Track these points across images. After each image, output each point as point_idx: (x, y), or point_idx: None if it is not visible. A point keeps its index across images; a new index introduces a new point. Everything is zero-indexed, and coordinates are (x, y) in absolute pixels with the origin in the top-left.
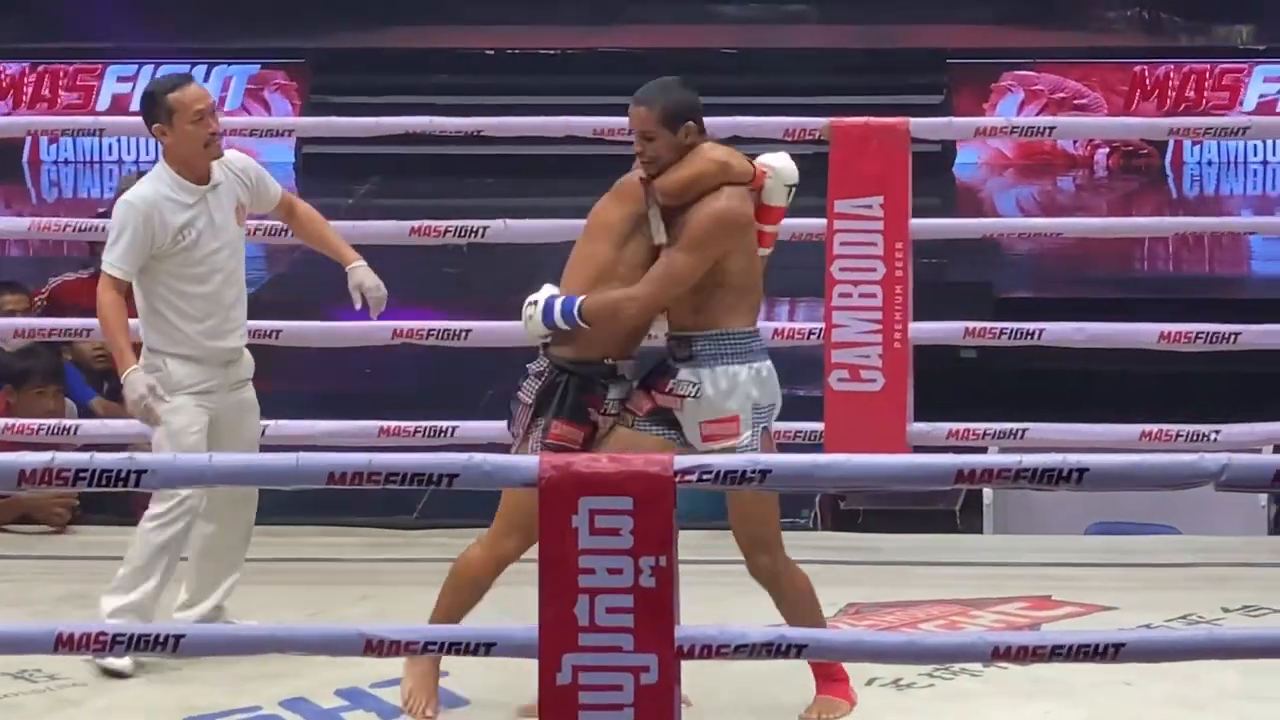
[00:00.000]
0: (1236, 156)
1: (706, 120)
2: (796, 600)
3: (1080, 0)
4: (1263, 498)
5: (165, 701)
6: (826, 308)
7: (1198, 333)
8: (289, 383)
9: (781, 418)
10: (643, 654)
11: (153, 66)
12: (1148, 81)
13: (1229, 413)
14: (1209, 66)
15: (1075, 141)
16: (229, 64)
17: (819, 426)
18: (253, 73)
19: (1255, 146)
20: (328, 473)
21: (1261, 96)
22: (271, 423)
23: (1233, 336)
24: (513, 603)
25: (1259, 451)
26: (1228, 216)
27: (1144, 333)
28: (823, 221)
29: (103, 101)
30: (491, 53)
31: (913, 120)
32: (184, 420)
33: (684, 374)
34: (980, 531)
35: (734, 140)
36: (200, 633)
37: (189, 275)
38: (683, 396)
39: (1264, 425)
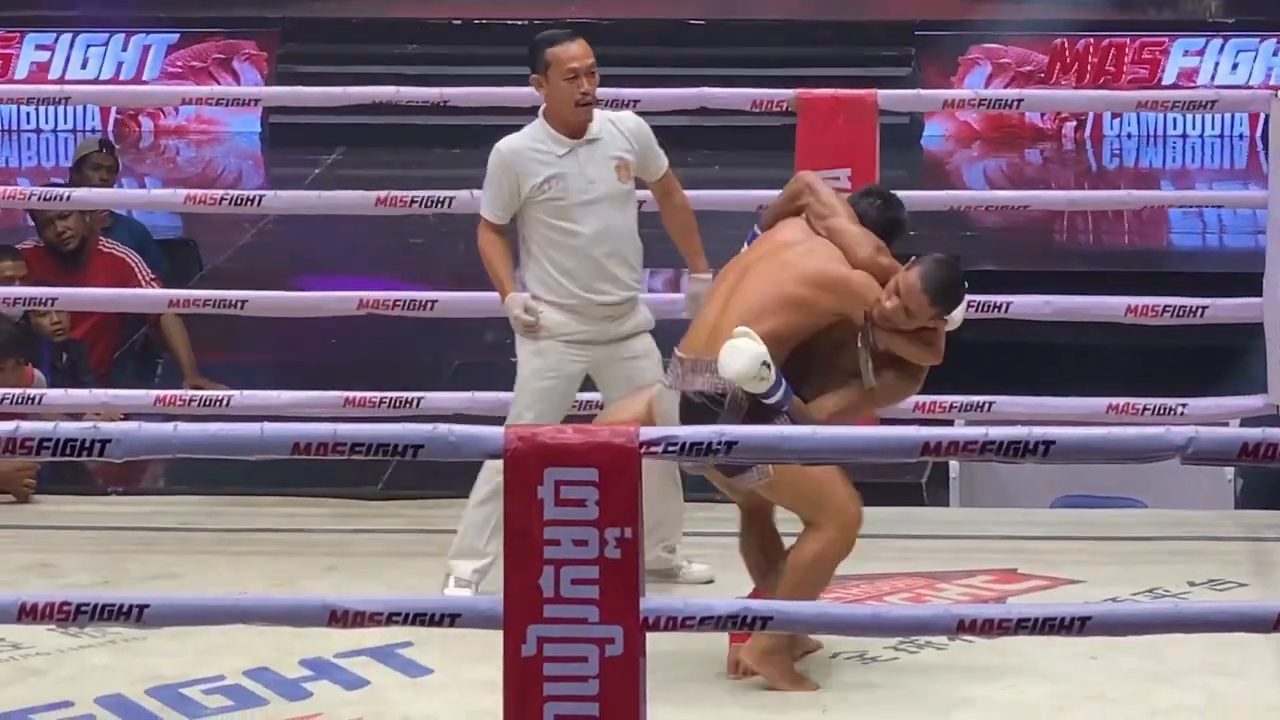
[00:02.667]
0: (1156, 130)
1: (674, 91)
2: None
3: None
4: (1229, 472)
5: (130, 671)
6: None
7: (1165, 306)
8: (254, 353)
9: None
10: (608, 625)
11: (71, 35)
12: (1067, 55)
13: (1196, 386)
14: (1128, 40)
15: (1043, 115)
16: (147, 33)
17: None
18: (171, 42)
19: (1175, 120)
20: (292, 443)
21: (1181, 70)
22: (236, 393)
23: (1200, 310)
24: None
25: (1225, 425)
26: (1190, 190)
27: (1111, 306)
28: None
29: (21, 70)
30: (459, 23)
31: (880, 92)
32: (539, 364)
33: None
34: (946, 504)
35: (702, 111)
36: (164, 602)
37: (558, 226)
38: None
39: (1230, 399)
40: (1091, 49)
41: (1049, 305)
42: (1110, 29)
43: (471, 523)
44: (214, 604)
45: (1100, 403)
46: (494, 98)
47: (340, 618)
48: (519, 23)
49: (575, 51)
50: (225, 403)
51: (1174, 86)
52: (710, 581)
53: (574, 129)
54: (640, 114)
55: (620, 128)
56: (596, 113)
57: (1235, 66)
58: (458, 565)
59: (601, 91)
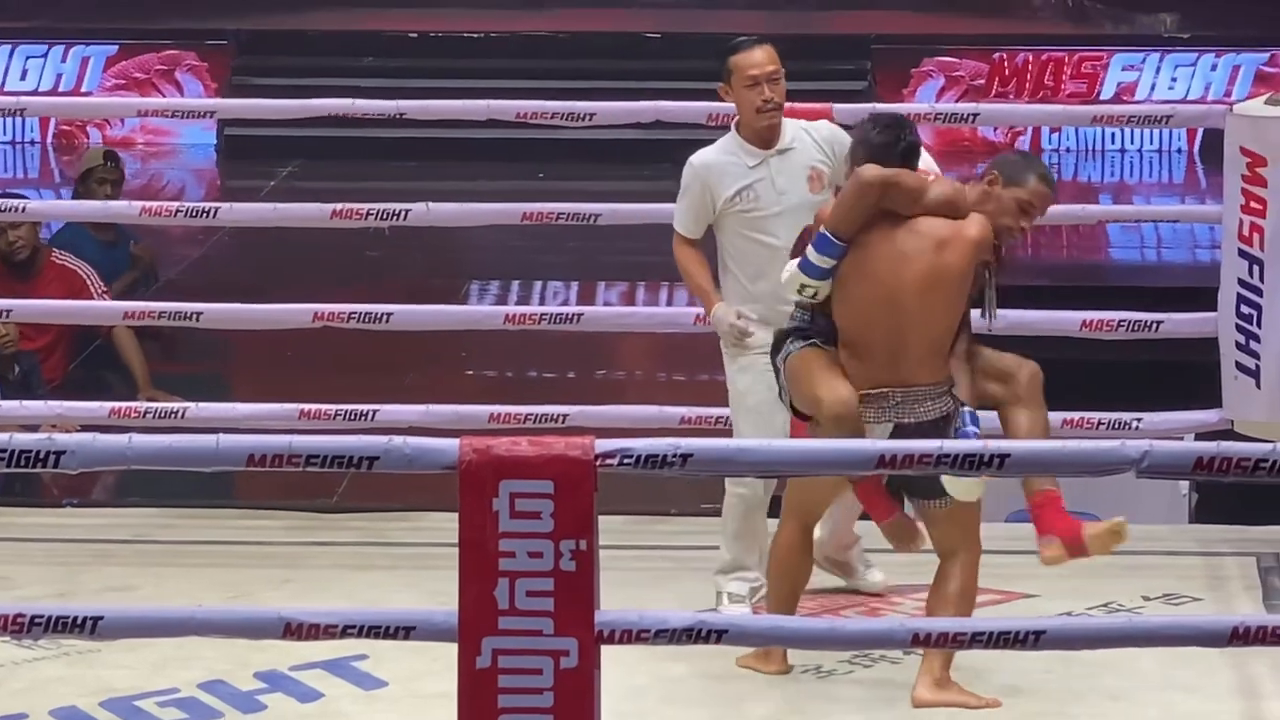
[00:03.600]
0: (1094, 144)
1: (630, 104)
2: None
3: None
4: (1184, 486)
5: (84, 683)
6: None
7: (1120, 321)
8: (210, 365)
9: (701, 403)
10: (563, 638)
11: (10, 46)
12: (1006, 69)
13: (1150, 401)
14: (1066, 54)
15: (995, 128)
16: (86, 44)
17: None
18: (110, 53)
19: (1113, 134)
20: (247, 454)
21: (1119, 84)
22: (191, 405)
23: (1155, 325)
24: (434, 586)
25: (1180, 439)
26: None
27: (1066, 320)
28: None
29: None
30: (415, 36)
31: (836, 106)
32: (746, 382)
33: None
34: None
35: (658, 125)
36: (118, 615)
37: (751, 237)
38: None
39: (1185, 413)
40: (1030, 63)
41: (1002, 319)
42: (1052, 43)
43: (735, 536)
44: (169, 616)
45: (1055, 417)
46: (451, 110)
47: (295, 630)
48: (475, 35)
49: (756, 59)
50: (180, 414)
51: (1113, 101)
52: (880, 594)
53: (763, 139)
54: (595, 126)
55: (815, 137)
56: (790, 122)
57: (1174, 81)
58: (728, 582)
59: (554, 105)
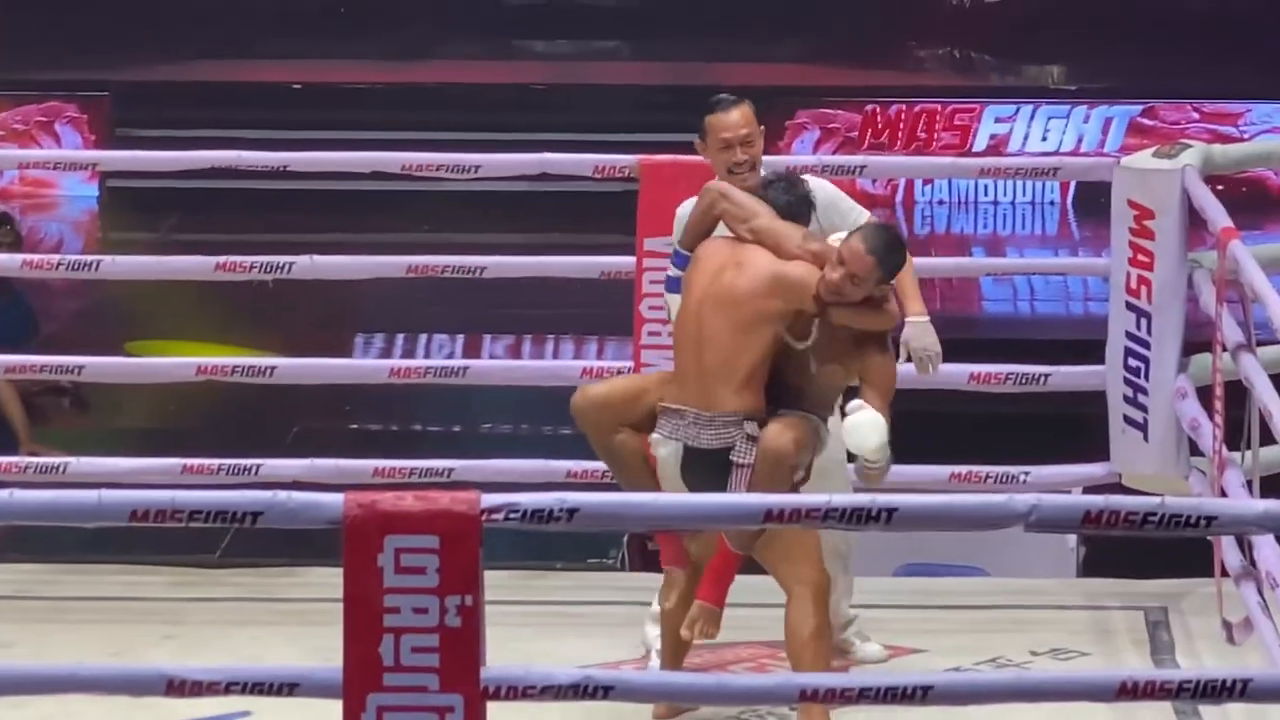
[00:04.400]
0: (967, 196)
1: (516, 156)
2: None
3: (895, 39)
4: (1072, 539)
5: None
6: (635, 346)
7: (1008, 374)
8: (92, 419)
9: (590, 457)
10: (448, 694)
11: None
12: (879, 121)
13: (1038, 454)
14: (939, 106)
15: (874, 181)
16: None
17: None
18: None
19: (986, 186)
20: (130, 510)
21: (992, 136)
22: (73, 459)
23: (1043, 378)
24: (318, 642)
25: (1068, 493)
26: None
27: (954, 374)
28: (632, 259)
29: None
30: (299, 87)
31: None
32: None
33: None
34: None
35: (544, 177)
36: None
37: None
38: None
39: (1073, 467)
40: (904, 115)
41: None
42: (925, 95)
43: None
44: (51, 673)
45: (943, 470)
46: (336, 163)
47: (178, 687)
48: (360, 86)
49: (729, 121)
50: (62, 469)
51: (987, 153)
52: (884, 660)
53: None
54: (481, 179)
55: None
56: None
57: (1047, 133)
58: (842, 634)
59: (439, 157)
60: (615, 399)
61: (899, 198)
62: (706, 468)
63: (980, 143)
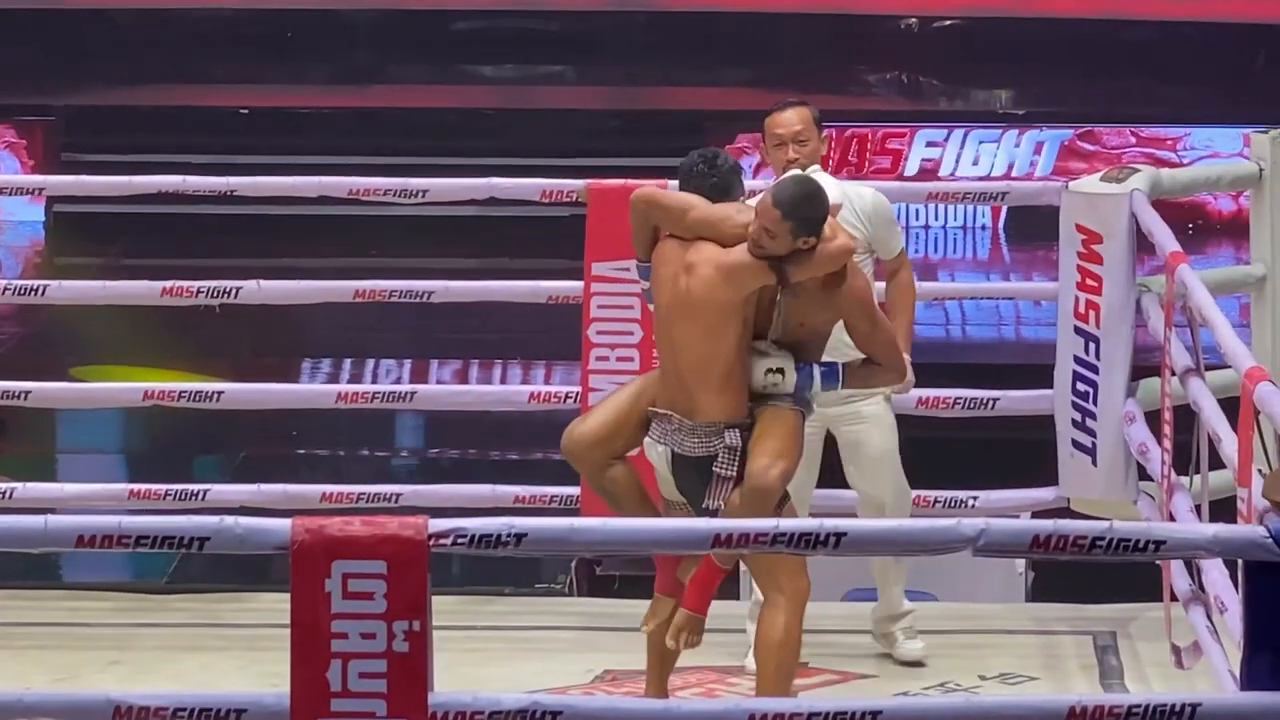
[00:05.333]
0: (899, 220)
1: (463, 181)
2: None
3: (842, 64)
4: (1020, 564)
5: None
6: (583, 371)
7: (956, 398)
8: (38, 445)
9: (537, 481)
10: (396, 719)
11: None
12: None
13: (986, 479)
14: (870, 131)
15: None
16: None
17: (575, 491)
18: None
19: (918, 210)
20: (76, 535)
21: (924, 161)
22: (19, 485)
23: (991, 402)
24: (266, 668)
25: (1017, 517)
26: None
27: (901, 398)
28: (579, 284)
29: None
30: (246, 111)
31: (670, 183)
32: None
33: None
34: (737, 598)
35: (491, 201)
36: None
37: None
38: None
39: (1022, 491)
40: (834, 139)
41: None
42: (856, 120)
43: (884, 579)
44: None
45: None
46: (281, 187)
47: (124, 713)
48: (306, 111)
49: (784, 119)
50: (8, 495)
51: (919, 177)
52: (921, 664)
53: None
54: (429, 203)
55: (855, 203)
56: (835, 184)
57: (978, 157)
58: (893, 626)
59: (386, 182)
60: (604, 433)
61: None
62: (694, 472)
63: (911, 167)
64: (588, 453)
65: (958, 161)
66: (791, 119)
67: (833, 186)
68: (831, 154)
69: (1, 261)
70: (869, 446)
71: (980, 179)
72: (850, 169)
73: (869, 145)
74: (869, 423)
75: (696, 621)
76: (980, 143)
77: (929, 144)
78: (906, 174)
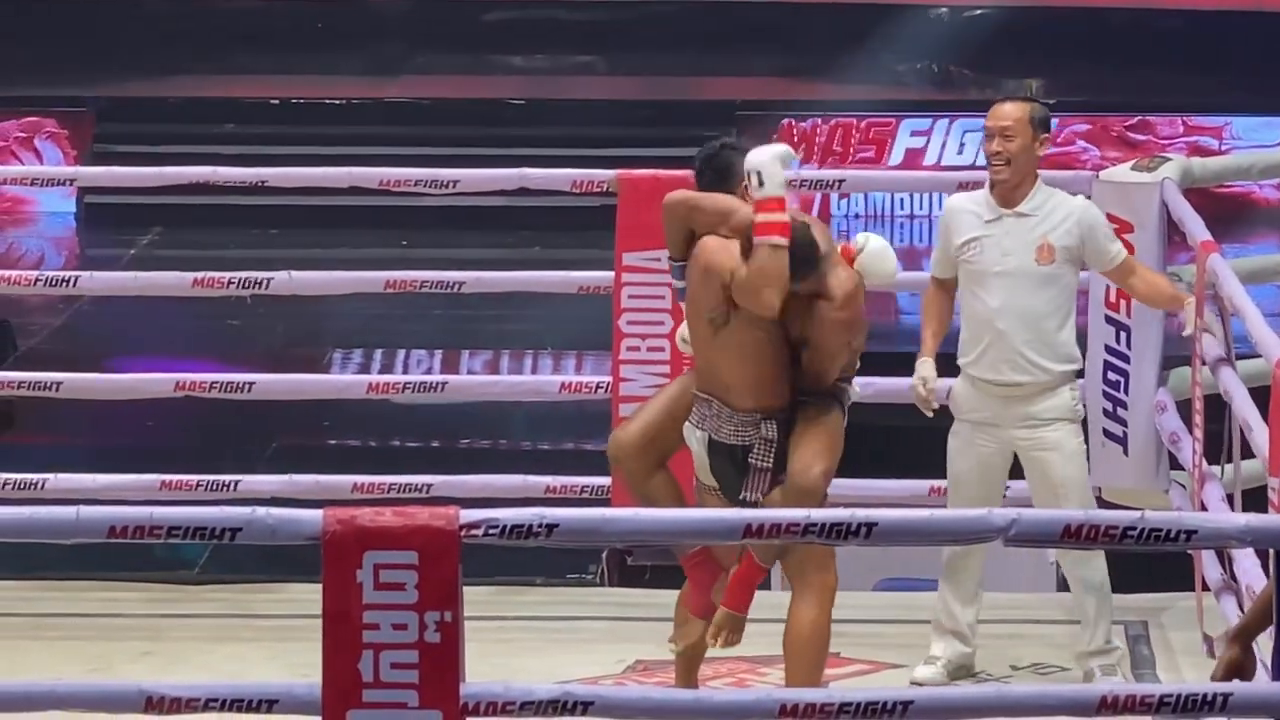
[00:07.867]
0: (883, 209)
1: (494, 171)
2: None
3: (871, 54)
4: (1051, 554)
5: None
6: (614, 361)
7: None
8: (70, 436)
9: (568, 472)
10: (427, 710)
11: None
12: (795, 136)
13: (1017, 468)
14: (855, 120)
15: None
16: None
17: (606, 481)
18: None
19: (902, 200)
20: (109, 526)
21: (908, 149)
22: (50, 476)
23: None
24: (297, 658)
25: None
26: None
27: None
28: (610, 274)
29: None
30: (276, 102)
31: None
32: (953, 446)
33: None
34: (769, 588)
35: (523, 192)
36: None
37: (972, 291)
38: None
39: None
40: (818, 128)
41: (870, 387)
42: (841, 110)
43: (1085, 615)
44: (29, 690)
45: (922, 485)
46: (313, 178)
47: (156, 704)
48: (337, 102)
49: (997, 110)
50: (40, 486)
51: (903, 166)
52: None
53: (1004, 195)
54: (459, 193)
55: (1067, 211)
56: (1050, 192)
57: (963, 146)
58: (1094, 661)
59: (417, 173)
60: (651, 434)
61: (814, 211)
62: (730, 460)
63: (895, 156)
64: (639, 459)
65: (943, 148)
66: (1003, 112)
67: (1046, 195)
68: (816, 143)
69: (43, 253)
70: (1050, 475)
71: (967, 169)
72: (835, 158)
73: (853, 135)
74: (1053, 450)
75: (737, 620)
76: (965, 131)
77: (913, 133)
78: (891, 163)
